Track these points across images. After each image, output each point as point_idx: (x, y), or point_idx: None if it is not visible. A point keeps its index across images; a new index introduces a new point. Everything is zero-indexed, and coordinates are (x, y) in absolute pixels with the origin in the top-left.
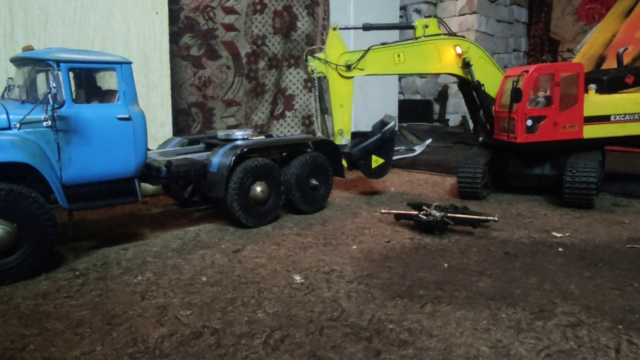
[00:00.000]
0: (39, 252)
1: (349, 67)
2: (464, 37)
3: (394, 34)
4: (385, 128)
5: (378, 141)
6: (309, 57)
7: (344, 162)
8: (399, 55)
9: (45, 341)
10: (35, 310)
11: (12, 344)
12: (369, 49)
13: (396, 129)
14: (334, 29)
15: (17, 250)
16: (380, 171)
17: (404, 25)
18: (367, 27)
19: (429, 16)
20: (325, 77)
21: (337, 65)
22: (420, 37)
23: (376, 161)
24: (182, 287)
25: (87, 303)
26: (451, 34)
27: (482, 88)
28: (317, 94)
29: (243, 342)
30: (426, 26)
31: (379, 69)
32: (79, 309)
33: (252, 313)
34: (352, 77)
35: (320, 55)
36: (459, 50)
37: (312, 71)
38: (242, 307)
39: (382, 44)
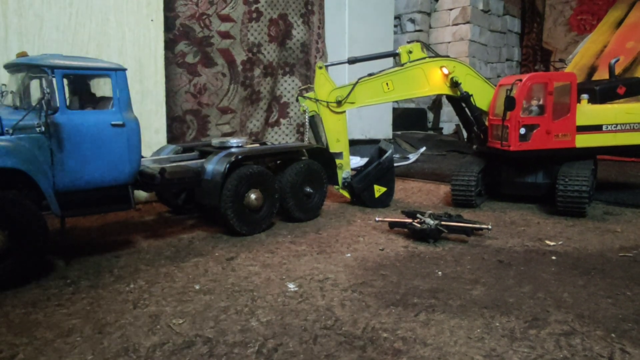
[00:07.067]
0: (30, 259)
1: (339, 103)
2: (448, 56)
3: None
4: (384, 157)
5: (378, 170)
6: (300, 98)
7: (347, 194)
8: (387, 83)
9: (35, 350)
10: (25, 318)
11: (1, 353)
12: (357, 82)
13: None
14: (320, 67)
15: (8, 257)
16: (384, 199)
17: (389, 54)
18: (352, 61)
19: (420, 30)
20: (318, 114)
21: (327, 102)
22: (405, 63)
23: (379, 190)
24: (174, 295)
25: (78, 311)
26: (436, 55)
27: (471, 99)
28: (309, 132)
29: (236, 351)
30: (410, 51)
31: (369, 99)
32: (69, 317)
33: (246, 322)
34: (344, 112)
35: (310, 94)
36: (445, 71)
37: (305, 111)
38: (236, 316)
39: (369, 74)
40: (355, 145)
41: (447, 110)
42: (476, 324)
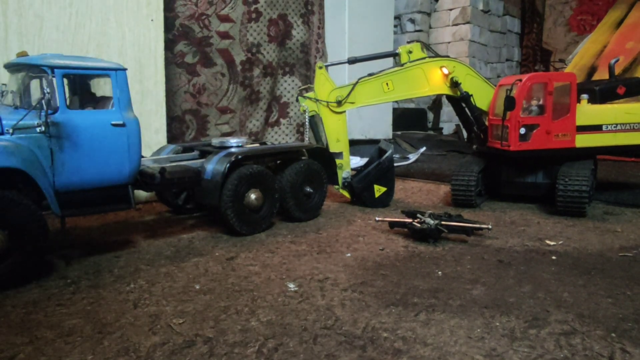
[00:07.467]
0: (30, 259)
1: (339, 103)
2: (448, 56)
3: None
4: (384, 157)
5: (378, 170)
6: (300, 98)
7: (347, 194)
8: (387, 83)
9: (36, 350)
10: (26, 318)
11: (2, 353)
12: (357, 82)
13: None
14: (320, 67)
15: (8, 257)
16: (384, 199)
17: (389, 54)
18: (352, 61)
19: (420, 30)
20: (318, 114)
21: (327, 102)
22: (405, 63)
23: (379, 190)
24: (175, 295)
25: (78, 311)
26: (435, 55)
27: (471, 99)
28: (309, 132)
29: (236, 350)
30: (410, 51)
31: (369, 99)
32: (70, 317)
33: (246, 321)
34: (344, 112)
35: (310, 94)
36: (445, 71)
37: (305, 111)
38: (236, 316)
39: (369, 74)
40: (355, 145)
41: (447, 110)
42: (476, 324)
